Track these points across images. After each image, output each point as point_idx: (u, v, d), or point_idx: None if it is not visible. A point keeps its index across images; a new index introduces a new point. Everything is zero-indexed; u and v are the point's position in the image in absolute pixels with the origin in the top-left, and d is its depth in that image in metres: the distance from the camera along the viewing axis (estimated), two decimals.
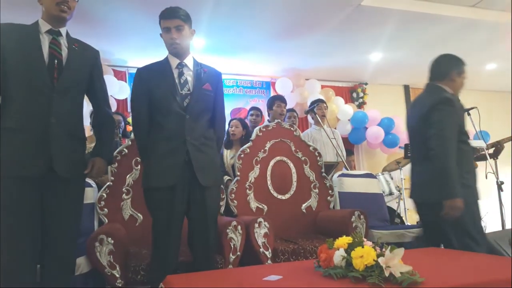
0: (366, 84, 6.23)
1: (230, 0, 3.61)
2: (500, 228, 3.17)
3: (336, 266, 1.33)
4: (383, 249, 1.30)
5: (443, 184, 1.96)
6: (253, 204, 2.82)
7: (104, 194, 2.45)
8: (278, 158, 2.99)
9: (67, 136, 1.74)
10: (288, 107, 3.85)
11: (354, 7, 3.84)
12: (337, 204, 3.10)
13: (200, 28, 4.03)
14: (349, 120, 5.58)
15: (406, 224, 4.00)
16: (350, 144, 5.81)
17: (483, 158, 3.14)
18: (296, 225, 2.87)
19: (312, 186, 3.03)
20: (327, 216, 2.90)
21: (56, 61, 1.72)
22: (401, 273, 1.21)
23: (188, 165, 1.84)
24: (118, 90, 4.79)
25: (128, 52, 4.76)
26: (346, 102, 5.78)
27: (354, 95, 6.15)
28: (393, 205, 4.13)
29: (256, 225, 2.30)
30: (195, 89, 1.91)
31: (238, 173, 2.83)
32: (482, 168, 2.85)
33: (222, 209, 2.69)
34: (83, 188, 1.88)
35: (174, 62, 1.94)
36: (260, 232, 2.30)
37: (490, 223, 3.90)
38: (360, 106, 6.07)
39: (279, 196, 2.92)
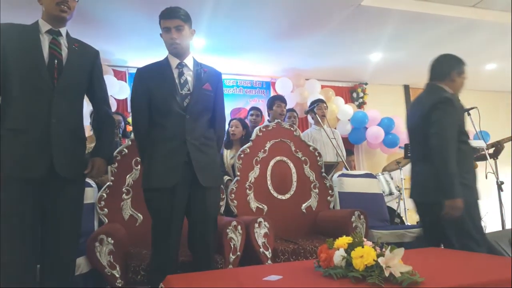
0: (366, 84, 6.22)
1: (230, 0, 3.61)
2: (500, 228, 3.17)
3: (336, 266, 1.33)
4: (383, 249, 1.30)
5: (443, 184, 1.96)
6: (253, 204, 2.82)
7: (104, 194, 2.45)
8: (278, 158, 2.99)
9: (68, 136, 1.74)
10: (288, 107, 3.85)
11: (354, 7, 3.84)
12: (337, 204, 3.10)
13: (200, 28, 4.03)
14: (349, 120, 5.58)
15: (406, 224, 4.00)
16: (350, 144, 5.81)
17: (483, 158, 3.14)
18: (296, 225, 2.87)
19: (312, 186, 3.03)
20: (327, 216, 2.90)
21: (56, 61, 1.72)
22: (401, 273, 1.21)
23: (188, 165, 1.84)
24: (118, 90, 4.79)
25: (128, 52, 4.76)
26: (346, 102, 5.78)
27: (354, 95, 6.14)
28: (393, 205, 4.13)
29: (256, 225, 2.30)
30: (195, 89, 1.91)
31: (238, 173, 2.83)
32: (482, 168, 2.85)
33: (222, 209, 2.69)
34: (83, 188, 1.88)
35: (174, 62, 1.94)
36: (260, 232, 2.30)
37: (490, 223, 3.90)
38: (360, 106, 6.07)
39: (279, 196, 2.92)
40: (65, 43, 1.79)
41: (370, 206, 3.12)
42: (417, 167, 2.24)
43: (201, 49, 4.63)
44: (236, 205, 2.74)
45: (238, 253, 2.19)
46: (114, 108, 4.67)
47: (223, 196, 2.70)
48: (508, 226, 3.22)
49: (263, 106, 4.93)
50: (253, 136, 2.98)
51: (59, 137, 1.69)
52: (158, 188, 1.82)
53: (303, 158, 3.06)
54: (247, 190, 2.83)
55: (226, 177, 3.10)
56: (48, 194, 1.70)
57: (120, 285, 1.93)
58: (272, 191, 2.91)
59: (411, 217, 5.17)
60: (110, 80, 4.67)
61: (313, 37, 4.51)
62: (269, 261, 2.26)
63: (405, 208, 4.25)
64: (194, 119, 1.88)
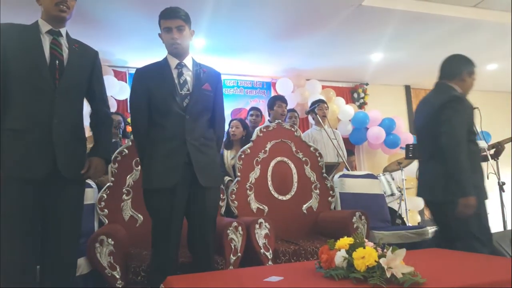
0: (367, 84, 6.22)
1: (231, 0, 3.61)
2: (501, 229, 3.16)
3: (337, 267, 1.32)
4: (385, 250, 1.30)
5: (455, 182, 1.97)
6: (254, 205, 2.81)
7: (104, 194, 2.44)
8: (278, 158, 2.98)
9: (69, 136, 1.74)
10: (288, 107, 3.84)
11: (355, 7, 3.84)
12: (338, 204, 3.09)
13: (201, 28, 4.03)
14: (350, 120, 5.58)
15: (407, 225, 3.99)
16: (351, 145, 5.80)
17: (485, 158, 3.13)
18: (297, 226, 2.86)
19: (313, 186, 3.02)
20: (328, 216, 2.89)
21: (57, 61, 1.72)
22: (402, 274, 1.21)
23: (188, 165, 1.84)
24: (119, 91, 4.79)
25: (128, 52, 4.76)
26: (347, 103, 5.77)
27: (355, 95, 6.14)
28: (394, 205, 4.12)
29: (257, 226, 2.29)
30: (194, 89, 1.91)
31: (239, 174, 2.82)
32: (483, 169, 2.84)
33: (223, 209, 2.69)
34: (84, 189, 1.88)
35: (173, 62, 1.93)
36: (261, 233, 2.29)
37: (492, 223, 3.88)
38: (361, 106, 6.07)
39: (280, 197, 2.91)
40: (65, 44, 1.79)
41: (371, 206, 3.11)
42: (426, 166, 2.25)
43: (202, 50, 4.63)
44: (236, 206, 2.73)
45: (239, 254, 2.19)
46: (114, 108, 4.68)
47: (224, 197, 2.69)
48: (509, 227, 3.21)
49: (263, 106, 4.92)
50: (254, 136, 2.97)
51: (61, 138, 1.69)
52: (158, 189, 1.82)
53: (303, 159, 3.05)
54: (248, 191, 2.82)
55: (226, 178, 3.09)
56: (49, 195, 1.70)
57: (120, 286, 1.92)
58: (272, 192, 2.90)
59: (412, 217, 5.16)
60: (110, 81, 4.67)
61: (314, 37, 4.50)
62: (270, 262, 2.25)
63: (406, 209, 4.23)
64: (194, 119, 1.88)
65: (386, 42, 4.69)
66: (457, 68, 2.21)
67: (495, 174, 3.13)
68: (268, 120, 3.77)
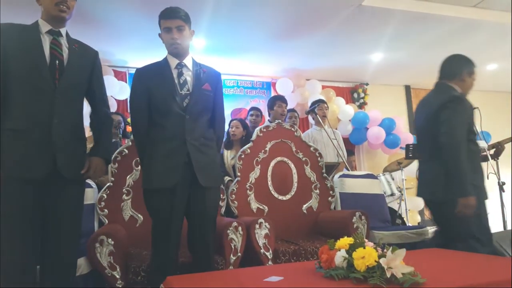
0: (367, 84, 6.22)
1: (231, 0, 3.61)
2: (501, 229, 3.16)
3: (337, 267, 1.32)
4: (385, 250, 1.30)
5: (455, 182, 1.97)
6: (254, 205, 2.81)
7: (104, 194, 2.44)
8: (278, 158, 2.98)
9: (70, 136, 1.74)
10: (288, 107, 3.84)
11: (355, 7, 3.83)
12: (338, 204, 3.09)
13: (201, 28, 4.03)
14: (350, 120, 5.58)
15: (407, 225, 3.99)
16: (351, 145, 5.80)
17: (485, 159, 3.13)
18: (297, 226, 2.86)
19: (313, 186, 3.02)
20: (328, 217, 2.89)
21: (57, 61, 1.72)
22: (402, 274, 1.21)
23: (188, 165, 1.84)
24: (119, 91, 4.79)
25: (128, 52, 4.76)
26: (347, 103, 5.77)
27: (355, 95, 6.14)
28: (394, 205, 4.12)
29: (257, 226, 2.29)
30: (194, 89, 1.91)
31: (239, 174, 2.82)
32: (483, 169, 2.84)
33: (223, 209, 2.69)
34: (84, 189, 1.88)
35: (173, 62, 1.93)
36: (261, 233, 2.29)
37: (492, 223, 3.88)
38: (361, 106, 6.06)
39: (280, 197, 2.91)
40: (65, 44, 1.79)
41: (371, 206, 3.11)
42: (426, 166, 2.25)
43: (202, 50, 4.63)
44: (236, 206, 2.73)
45: (239, 254, 2.19)
46: (114, 108, 4.68)
47: (224, 197, 2.69)
48: (509, 227, 3.21)
49: (263, 106, 4.92)
50: (254, 136, 2.97)
51: (61, 138, 1.69)
52: (158, 189, 1.82)
53: (303, 159, 3.05)
54: (248, 191, 2.82)
55: (226, 178, 3.09)
56: (49, 195, 1.70)
57: (120, 286, 1.92)
58: (272, 192, 2.90)
59: (412, 217, 5.16)
60: (110, 81, 4.67)
61: (314, 37, 4.50)
62: (270, 262, 2.25)
63: (406, 209, 4.23)
64: (194, 119, 1.88)
65: (386, 42, 4.69)
66: (457, 68, 2.22)
67: (495, 174, 3.13)
68: (268, 120, 3.77)
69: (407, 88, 6.59)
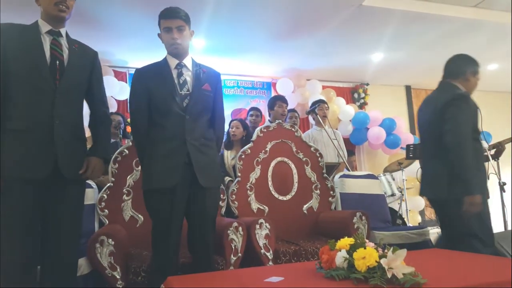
0: (367, 84, 6.22)
1: (231, 0, 3.61)
2: (502, 229, 3.15)
3: (338, 267, 1.32)
4: (385, 250, 1.29)
5: (461, 180, 1.96)
6: (254, 205, 2.81)
7: (104, 195, 2.44)
8: (279, 159, 2.98)
9: (70, 137, 1.74)
10: (289, 107, 3.84)
11: (355, 7, 3.83)
12: (339, 205, 3.08)
13: (201, 29, 4.03)
14: (350, 120, 5.58)
15: (408, 225, 3.99)
16: (351, 145, 5.80)
17: (486, 159, 3.13)
18: (297, 226, 2.86)
19: (313, 187, 3.02)
20: (329, 217, 2.89)
21: (57, 62, 1.73)
22: (403, 274, 1.20)
23: (188, 165, 1.84)
24: (119, 91, 4.79)
25: (128, 53, 4.76)
26: (347, 103, 5.77)
27: (356, 95, 6.14)
28: (395, 206, 4.12)
29: (257, 226, 2.29)
30: (194, 90, 1.91)
31: (239, 174, 2.82)
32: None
33: (223, 210, 2.68)
34: (84, 189, 1.88)
35: (173, 62, 1.93)
36: (261, 233, 2.29)
37: (493, 224, 3.88)
38: (362, 106, 6.06)
39: (280, 197, 2.91)
40: (65, 44, 1.79)
41: (372, 207, 3.10)
42: (429, 164, 2.25)
43: (202, 50, 4.63)
44: (237, 206, 2.73)
45: (239, 254, 2.18)
46: (114, 108, 4.68)
47: (224, 197, 2.69)
48: (510, 227, 3.21)
49: (264, 106, 4.92)
50: (254, 136, 2.97)
51: (62, 138, 1.70)
52: (158, 189, 1.82)
53: (304, 159, 3.05)
54: (248, 191, 2.82)
55: (227, 178, 3.09)
56: (49, 195, 1.70)
57: (120, 286, 1.92)
58: (273, 192, 2.90)
59: (412, 218, 5.16)
60: (110, 81, 4.67)
61: (314, 38, 4.50)
62: (270, 263, 2.25)
63: (407, 209, 4.23)
64: (194, 120, 1.88)
65: (387, 42, 4.69)
66: (461, 68, 2.22)
67: (496, 174, 3.12)
68: (269, 120, 3.76)
69: (408, 88, 6.59)
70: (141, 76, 1.94)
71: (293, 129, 3.11)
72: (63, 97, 1.71)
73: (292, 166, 3.00)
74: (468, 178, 1.96)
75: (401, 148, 5.48)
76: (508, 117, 6.25)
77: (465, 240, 2.01)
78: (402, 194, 4.16)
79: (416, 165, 4.19)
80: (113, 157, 2.50)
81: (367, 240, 1.38)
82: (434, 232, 3.58)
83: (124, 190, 2.48)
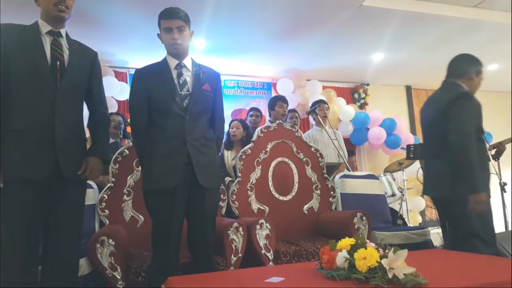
0: (367, 84, 6.22)
1: (231, 1, 3.61)
2: (503, 229, 3.15)
3: (338, 267, 1.32)
4: (386, 251, 1.29)
5: (466, 179, 1.96)
6: (255, 205, 2.81)
7: (105, 195, 2.44)
8: (279, 159, 2.98)
9: (71, 137, 1.75)
10: (289, 108, 3.84)
11: (355, 8, 3.83)
12: (339, 205, 3.08)
13: (201, 29, 4.03)
14: (350, 121, 5.57)
15: (408, 225, 3.98)
16: (351, 145, 5.80)
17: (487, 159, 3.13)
18: (297, 226, 2.86)
19: (313, 187, 3.02)
20: (329, 217, 2.89)
21: (58, 62, 1.73)
22: (404, 274, 1.20)
23: (188, 166, 1.83)
24: (119, 91, 4.79)
25: (129, 53, 4.76)
26: (347, 103, 5.77)
27: (356, 95, 6.14)
28: (395, 206, 4.11)
29: (258, 226, 2.29)
30: (194, 90, 1.91)
31: (240, 174, 2.82)
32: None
33: (224, 210, 2.68)
34: (85, 189, 1.89)
35: (173, 63, 1.93)
36: (262, 234, 2.29)
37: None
38: (362, 107, 6.06)
39: (281, 197, 2.91)
40: (65, 44, 1.79)
41: (372, 207, 3.10)
42: (432, 164, 2.25)
43: (202, 50, 4.63)
44: (237, 206, 2.73)
45: (240, 254, 2.18)
46: (115, 109, 4.67)
47: (225, 197, 2.69)
48: (510, 227, 3.20)
49: (264, 107, 4.92)
50: (255, 137, 2.97)
51: (63, 138, 1.70)
52: (158, 189, 1.82)
53: (304, 159, 3.05)
54: (249, 191, 2.82)
55: (227, 178, 3.09)
56: (50, 195, 1.70)
57: (121, 286, 1.92)
58: (273, 192, 2.90)
59: (413, 218, 5.16)
60: (111, 81, 4.67)
61: (314, 38, 4.50)
62: (271, 263, 2.25)
63: (407, 210, 4.23)
64: (194, 120, 1.88)
65: (387, 43, 4.69)
66: (465, 67, 2.22)
67: (497, 174, 3.12)
68: (269, 120, 3.76)
69: (408, 89, 6.59)
70: (141, 76, 1.94)
71: (293, 129, 3.11)
72: (64, 98, 1.72)
73: (293, 166, 3.00)
74: (473, 176, 1.95)
75: (402, 148, 5.48)
76: (508, 117, 6.25)
77: (468, 240, 2.01)
78: (403, 194, 4.16)
79: (416, 165, 4.19)
80: (114, 157, 2.50)
81: (368, 241, 1.38)
82: (434, 233, 3.58)
83: (124, 190, 2.48)
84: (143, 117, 1.90)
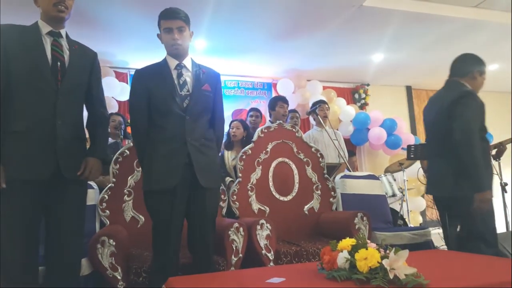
0: (368, 85, 6.22)
1: (231, 1, 3.61)
2: (504, 230, 3.15)
3: (339, 268, 1.32)
4: (387, 251, 1.29)
5: (471, 178, 1.96)
6: (255, 206, 2.80)
7: (105, 195, 2.44)
8: (280, 159, 2.98)
9: (72, 137, 1.75)
10: (289, 108, 3.84)
11: (356, 8, 3.83)
12: (340, 205, 3.08)
13: (201, 29, 4.03)
14: (351, 121, 5.57)
15: (409, 226, 3.98)
16: (352, 145, 5.79)
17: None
18: (298, 226, 2.85)
19: (314, 187, 3.01)
20: (330, 217, 2.89)
21: (59, 63, 1.73)
22: (405, 275, 1.20)
23: (188, 166, 1.83)
24: (120, 92, 4.79)
25: (129, 53, 4.77)
26: (348, 103, 5.77)
27: (356, 96, 6.14)
28: (396, 206, 4.11)
29: (258, 226, 2.29)
30: (194, 90, 1.90)
31: (240, 175, 2.82)
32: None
33: (224, 210, 2.68)
34: (85, 189, 1.89)
35: (173, 63, 1.93)
36: (262, 234, 2.29)
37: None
38: (362, 107, 6.06)
39: (281, 198, 2.91)
40: (66, 45, 1.80)
41: (373, 207, 3.10)
42: (436, 163, 2.24)
43: (202, 51, 4.64)
44: (238, 207, 2.73)
45: (240, 255, 2.18)
46: (115, 109, 4.67)
47: (225, 198, 2.69)
48: (511, 228, 3.20)
49: (264, 107, 4.92)
50: (255, 137, 2.97)
51: (64, 139, 1.70)
52: (158, 190, 1.81)
53: (305, 159, 3.04)
54: (249, 192, 2.82)
55: (228, 179, 3.09)
56: (51, 195, 1.70)
57: (121, 287, 1.92)
58: (274, 193, 2.90)
59: (414, 218, 5.15)
60: (111, 82, 4.67)
61: (315, 38, 4.50)
62: (272, 263, 2.25)
63: (408, 210, 4.22)
64: (194, 120, 1.87)
65: (387, 43, 4.69)
66: (468, 67, 2.23)
67: (497, 175, 3.12)
68: (269, 120, 3.76)
69: (408, 89, 6.59)
70: (141, 76, 1.94)
71: (294, 129, 3.11)
72: (65, 98, 1.72)
73: (293, 166, 3.00)
74: (478, 175, 1.95)
75: (402, 148, 5.48)
76: (508, 117, 6.24)
77: (471, 240, 2.01)
78: (403, 195, 4.16)
79: (417, 165, 4.19)
80: (114, 157, 2.50)
81: (368, 241, 1.37)
82: (435, 233, 3.57)
83: (125, 190, 2.48)
84: (143, 117, 1.90)
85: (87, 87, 1.86)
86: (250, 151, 2.90)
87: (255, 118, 3.84)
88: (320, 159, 3.10)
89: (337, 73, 5.75)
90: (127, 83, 4.99)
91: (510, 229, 3.22)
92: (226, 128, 3.32)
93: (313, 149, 3.11)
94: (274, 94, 5.57)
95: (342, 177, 3.23)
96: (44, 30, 1.74)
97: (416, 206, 5.33)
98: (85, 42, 1.90)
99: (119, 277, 1.92)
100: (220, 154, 3.19)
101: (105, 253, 1.93)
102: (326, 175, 3.08)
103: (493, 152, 3.19)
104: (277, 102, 3.66)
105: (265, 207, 2.83)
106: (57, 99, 1.69)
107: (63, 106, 1.71)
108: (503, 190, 3.15)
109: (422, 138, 5.95)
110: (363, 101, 6.10)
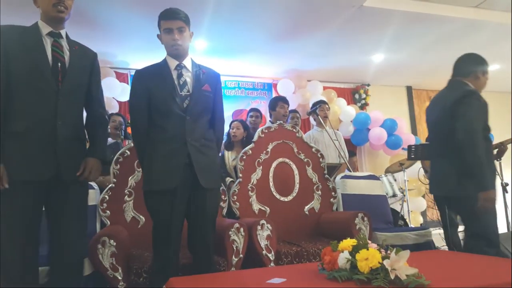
0: (368, 85, 6.22)
1: (231, 1, 3.61)
2: (505, 230, 3.14)
3: (340, 268, 1.32)
4: (388, 252, 1.29)
5: (474, 177, 1.96)
6: (256, 206, 2.80)
7: (106, 196, 2.44)
8: (280, 159, 2.98)
9: (72, 138, 1.75)
10: (289, 108, 3.84)
11: (356, 8, 3.83)
12: (340, 206, 3.08)
13: (202, 30, 4.03)
14: (351, 121, 5.57)
15: (409, 226, 3.98)
16: (352, 146, 5.79)
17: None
18: (299, 227, 2.85)
19: (315, 187, 3.01)
20: (330, 218, 2.88)
21: (59, 64, 1.73)
22: (406, 275, 1.20)
23: (189, 166, 1.83)
24: (120, 92, 4.79)
25: (130, 54, 4.77)
26: (348, 104, 5.77)
27: (357, 96, 6.13)
28: (397, 207, 4.11)
29: (259, 227, 2.29)
30: (194, 90, 1.90)
31: (240, 175, 2.82)
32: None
33: (225, 210, 2.68)
34: (87, 189, 1.89)
35: (173, 63, 1.93)
36: (263, 234, 2.28)
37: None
38: (363, 107, 6.06)
39: (282, 198, 2.90)
40: (66, 46, 1.80)
41: (374, 208, 3.09)
42: (438, 163, 2.24)
43: (203, 51, 4.64)
44: (238, 207, 2.72)
45: (241, 255, 2.18)
46: (116, 110, 4.67)
47: (225, 198, 2.69)
48: None
49: (264, 107, 4.92)
50: (255, 137, 2.97)
51: (65, 139, 1.70)
52: (158, 190, 1.81)
53: (305, 160, 3.04)
54: (250, 192, 2.81)
55: (228, 179, 3.09)
56: (53, 197, 1.71)
57: (122, 287, 1.91)
58: (274, 193, 2.90)
59: (414, 219, 5.15)
60: (112, 82, 4.67)
61: (315, 38, 4.50)
62: (272, 264, 2.25)
63: (408, 210, 4.22)
64: (194, 120, 1.87)
65: (388, 43, 4.69)
66: (471, 66, 2.24)
67: (498, 175, 3.11)
68: (270, 121, 3.76)
69: (409, 89, 6.58)
70: (141, 76, 1.94)
71: (294, 129, 3.10)
72: (65, 99, 1.72)
73: (294, 167, 3.00)
74: (482, 174, 1.96)
75: (403, 148, 5.47)
76: (508, 117, 6.24)
77: (473, 239, 2.01)
78: (404, 195, 4.16)
79: (417, 166, 4.18)
80: (115, 158, 2.50)
81: (369, 241, 1.37)
82: (436, 233, 3.57)
83: (125, 191, 2.48)
84: (143, 117, 1.90)
85: (87, 88, 1.87)
86: (250, 151, 2.90)
87: (255, 119, 3.84)
88: (321, 159, 3.10)
89: (338, 74, 5.75)
90: (127, 83, 4.99)
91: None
92: (226, 128, 3.32)
93: (313, 150, 3.11)
94: (274, 95, 5.57)
95: (342, 177, 3.23)
96: (44, 31, 1.74)
97: (417, 207, 5.33)
98: (85, 42, 1.90)
99: (119, 278, 1.92)
100: (220, 155, 3.19)
101: (106, 253, 1.92)
102: (326, 176, 3.08)
103: (494, 152, 3.19)
104: (278, 103, 3.66)
105: (266, 207, 2.83)
106: (57, 99, 1.69)
107: (64, 106, 1.71)
108: (504, 190, 3.14)
109: (422, 138, 5.95)
110: (363, 101, 6.10)
